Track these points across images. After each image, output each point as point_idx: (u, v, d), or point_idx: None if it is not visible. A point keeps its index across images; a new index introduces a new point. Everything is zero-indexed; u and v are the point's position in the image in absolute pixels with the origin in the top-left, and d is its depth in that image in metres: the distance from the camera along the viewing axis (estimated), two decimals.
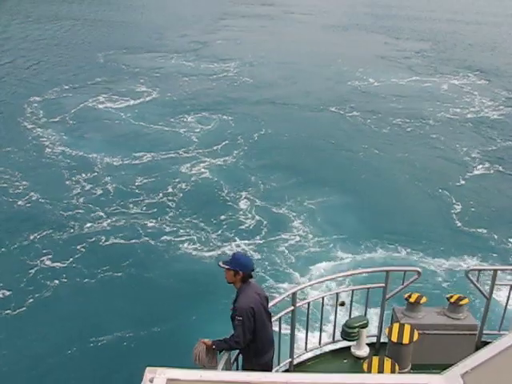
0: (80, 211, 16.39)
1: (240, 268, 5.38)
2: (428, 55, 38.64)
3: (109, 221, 15.88)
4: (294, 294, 6.12)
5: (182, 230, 15.55)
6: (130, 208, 16.68)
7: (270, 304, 5.91)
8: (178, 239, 15.15)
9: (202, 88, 28.98)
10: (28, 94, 26.74)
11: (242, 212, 16.59)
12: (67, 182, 18.12)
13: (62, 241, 14.89)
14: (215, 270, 5.79)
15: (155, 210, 16.55)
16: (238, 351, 5.48)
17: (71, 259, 14.00)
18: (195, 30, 45.72)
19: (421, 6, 61.27)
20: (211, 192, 17.76)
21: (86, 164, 19.45)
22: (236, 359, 5.50)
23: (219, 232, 15.50)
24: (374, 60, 36.52)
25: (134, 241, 15.01)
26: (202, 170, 19.23)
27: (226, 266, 5.40)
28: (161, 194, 17.48)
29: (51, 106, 25.29)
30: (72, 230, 15.37)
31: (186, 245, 14.87)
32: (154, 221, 15.93)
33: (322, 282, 6.34)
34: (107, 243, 14.85)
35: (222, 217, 16.20)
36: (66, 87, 28.21)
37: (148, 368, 2.96)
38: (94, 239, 14.94)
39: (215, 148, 20.96)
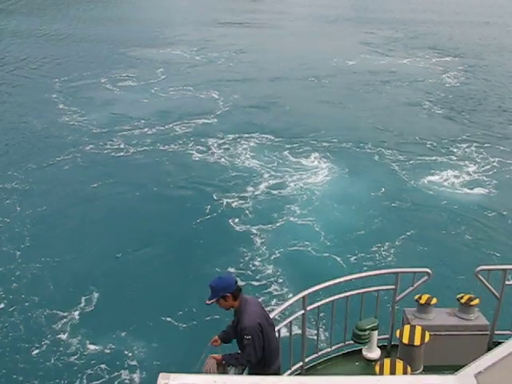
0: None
1: (225, 292, 5.18)
2: (401, 41, 43.50)
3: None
4: (304, 297, 6.11)
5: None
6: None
7: (280, 308, 5.92)
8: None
9: (201, 71, 33.65)
10: (52, 78, 31.45)
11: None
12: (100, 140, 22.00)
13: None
14: None
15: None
16: None
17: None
18: (192, 27, 50.43)
19: (397, 2, 67.92)
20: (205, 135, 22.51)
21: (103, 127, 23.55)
22: (244, 369, 5.45)
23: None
24: (353, 46, 41.57)
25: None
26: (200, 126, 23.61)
27: (214, 299, 5.19)
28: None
29: (72, 86, 30.00)
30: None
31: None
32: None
33: (331, 285, 6.32)
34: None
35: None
36: (84, 73, 32.64)
37: (161, 374, 2.95)
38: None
39: (212, 111, 25.49)
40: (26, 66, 35.19)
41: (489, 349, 6.13)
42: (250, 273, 13.25)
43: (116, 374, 10.45)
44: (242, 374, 5.28)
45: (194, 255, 13.93)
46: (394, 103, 27.16)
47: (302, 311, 6.17)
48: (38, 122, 24.23)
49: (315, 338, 6.64)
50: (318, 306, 6.37)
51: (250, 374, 5.33)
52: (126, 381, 10.24)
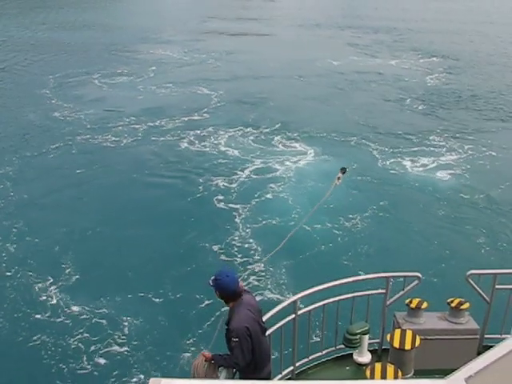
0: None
1: (217, 289, 5.15)
2: (386, 44, 44.78)
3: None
4: (294, 302, 6.10)
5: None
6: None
7: (271, 313, 5.89)
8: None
9: (191, 70, 34.81)
10: (46, 75, 32.49)
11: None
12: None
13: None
14: None
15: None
16: None
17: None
18: (182, 31, 51.15)
19: (381, 7, 70.14)
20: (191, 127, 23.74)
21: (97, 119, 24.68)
22: (235, 373, 5.43)
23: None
24: (340, 47, 43.04)
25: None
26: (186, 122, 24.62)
27: (211, 284, 5.18)
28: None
29: (65, 82, 31.31)
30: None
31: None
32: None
33: (322, 289, 6.31)
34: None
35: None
36: (77, 71, 33.51)
37: (152, 379, 2.94)
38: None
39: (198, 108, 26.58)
40: (17, 65, 35.73)
41: (479, 353, 6.15)
42: (236, 247, 14.11)
43: (102, 341, 10.87)
44: (233, 376, 5.27)
45: (184, 232, 14.81)
46: (378, 100, 28.43)
47: (293, 315, 6.16)
48: (32, 116, 24.98)
49: (306, 342, 6.63)
50: (309, 311, 6.36)
51: (240, 377, 5.31)
52: (113, 351, 10.62)
